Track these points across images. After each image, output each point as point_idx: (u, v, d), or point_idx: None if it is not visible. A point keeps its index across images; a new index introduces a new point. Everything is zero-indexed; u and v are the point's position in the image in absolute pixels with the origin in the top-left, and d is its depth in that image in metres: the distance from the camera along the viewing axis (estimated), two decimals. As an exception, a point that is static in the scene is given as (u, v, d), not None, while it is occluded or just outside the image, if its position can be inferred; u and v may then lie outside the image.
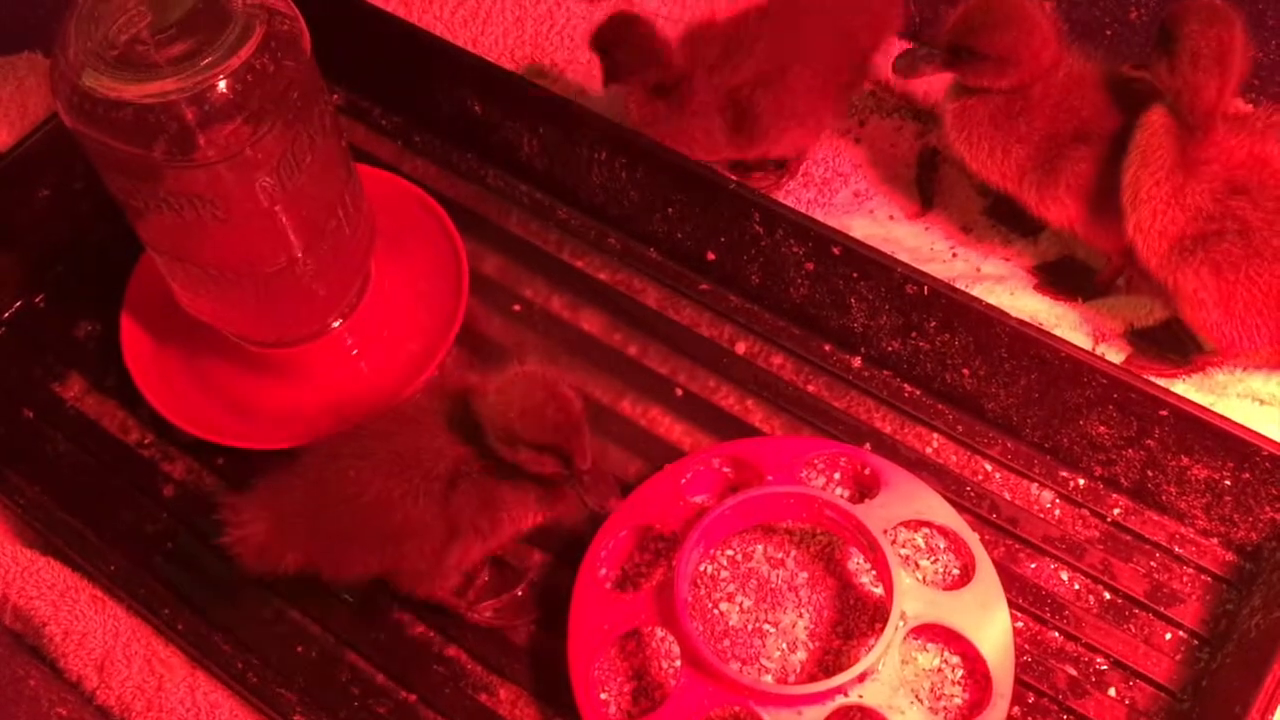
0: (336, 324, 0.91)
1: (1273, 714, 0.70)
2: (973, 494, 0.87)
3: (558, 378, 0.73)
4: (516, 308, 0.97)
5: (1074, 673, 0.80)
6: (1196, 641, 0.81)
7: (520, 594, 0.82)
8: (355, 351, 0.94)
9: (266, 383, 0.93)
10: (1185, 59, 0.80)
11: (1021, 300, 0.95)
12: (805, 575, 0.82)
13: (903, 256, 0.90)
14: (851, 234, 0.90)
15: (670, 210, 0.96)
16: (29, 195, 0.95)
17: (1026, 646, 0.81)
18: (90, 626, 0.77)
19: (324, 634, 0.82)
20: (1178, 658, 0.80)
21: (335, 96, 1.04)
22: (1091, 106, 0.88)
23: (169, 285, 0.87)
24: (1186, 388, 0.89)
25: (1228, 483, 0.81)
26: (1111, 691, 0.79)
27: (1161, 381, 0.85)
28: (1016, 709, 0.78)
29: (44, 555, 0.82)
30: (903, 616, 0.75)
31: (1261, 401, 0.90)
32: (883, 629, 0.74)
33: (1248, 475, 0.80)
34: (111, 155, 0.73)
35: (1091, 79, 0.89)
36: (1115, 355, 0.92)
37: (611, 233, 1.00)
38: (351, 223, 0.87)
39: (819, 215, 0.94)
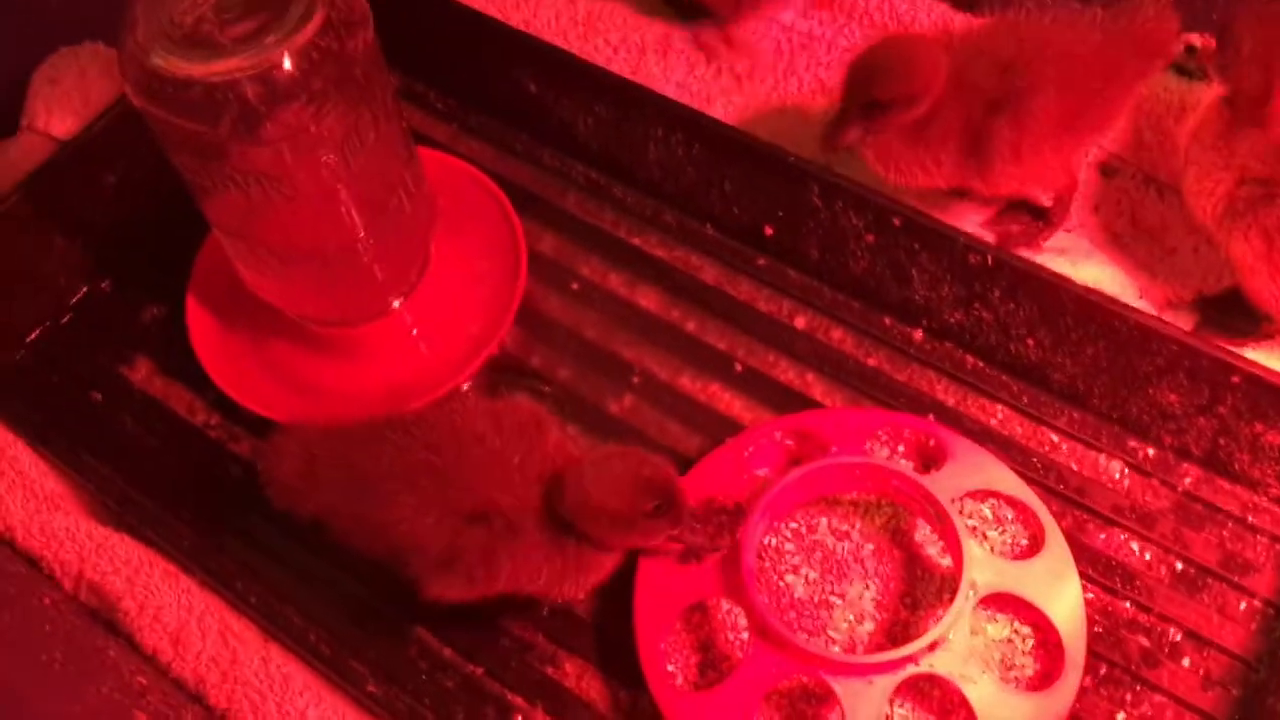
0: (397, 304, 0.92)
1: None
2: (1039, 465, 0.86)
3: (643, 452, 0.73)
4: (574, 286, 0.97)
5: (1146, 643, 0.79)
6: (1271, 610, 0.79)
7: (544, 612, 0.82)
8: (415, 331, 0.94)
9: (329, 362, 0.94)
10: (1236, 55, 0.80)
11: (1084, 270, 0.93)
12: (871, 547, 0.82)
13: (963, 228, 0.89)
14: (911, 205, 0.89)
15: (727, 185, 0.96)
16: (94, 181, 0.97)
17: (1097, 617, 0.80)
18: (164, 601, 0.78)
19: (391, 608, 0.82)
20: (1252, 627, 0.79)
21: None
22: (983, 73, 0.86)
23: (234, 267, 0.88)
24: (1258, 354, 0.88)
25: (1305, 450, 0.80)
26: (1185, 662, 0.78)
27: (1232, 347, 0.84)
28: (1089, 679, 0.77)
29: (117, 532, 0.83)
30: (972, 586, 0.74)
31: (1334, 368, 0.88)
32: (952, 599, 0.74)
33: (1323, 441, 0.79)
34: (179, 134, 0.74)
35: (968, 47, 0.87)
36: (1183, 322, 0.90)
37: (668, 209, 1.00)
38: (412, 202, 0.87)
39: (877, 188, 0.93)
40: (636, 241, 0.99)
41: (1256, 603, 0.80)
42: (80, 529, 0.83)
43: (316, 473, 0.75)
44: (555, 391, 0.91)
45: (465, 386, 0.91)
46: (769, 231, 0.96)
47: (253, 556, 0.83)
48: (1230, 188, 0.83)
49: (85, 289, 0.99)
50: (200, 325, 0.94)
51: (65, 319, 0.98)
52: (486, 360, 0.92)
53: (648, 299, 0.96)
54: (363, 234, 0.84)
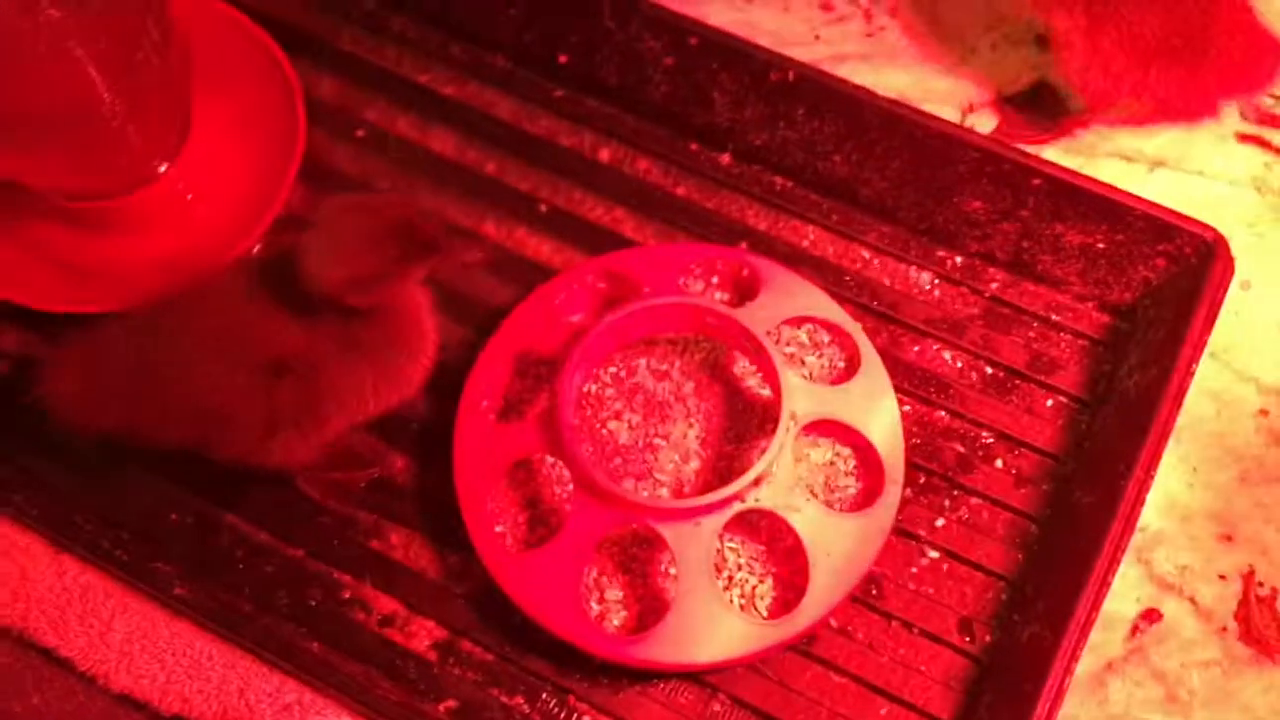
0: (163, 168, 0.84)
1: (1155, 468, 0.72)
2: (853, 284, 0.85)
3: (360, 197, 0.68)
4: (360, 134, 0.90)
5: (961, 449, 0.81)
6: (1077, 405, 0.82)
7: (362, 484, 0.79)
8: (189, 197, 0.86)
9: (94, 241, 0.85)
10: None
11: (888, 77, 0.92)
12: (691, 385, 0.80)
13: (764, 42, 0.85)
14: (708, 22, 0.84)
15: (513, 11, 0.89)
16: None
17: (914, 429, 0.81)
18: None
19: (196, 498, 0.78)
20: (1059, 423, 0.81)
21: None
22: None
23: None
24: (1056, 153, 0.88)
25: (1101, 246, 0.81)
26: (998, 463, 0.80)
27: (1031, 149, 0.84)
28: (909, 491, 0.79)
29: None
30: (793, 416, 0.74)
31: (1129, 159, 0.90)
32: (774, 431, 0.73)
33: (1121, 236, 0.80)
34: None
35: None
36: (986, 124, 0.90)
37: (455, 42, 0.93)
38: (162, 55, 0.78)
39: (673, 6, 0.88)
40: (423, 79, 0.92)
41: (1062, 399, 0.82)
42: None
43: (98, 383, 0.69)
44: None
45: (255, 250, 0.85)
46: (564, 60, 0.90)
47: (30, 462, 0.77)
48: None
49: None
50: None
51: None
52: (272, 222, 0.85)
53: (441, 142, 0.90)
54: (105, 95, 0.75)
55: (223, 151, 0.87)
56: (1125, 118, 0.89)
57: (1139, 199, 0.79)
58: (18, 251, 0.85)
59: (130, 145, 0.80)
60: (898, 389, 0.79)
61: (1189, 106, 0.87)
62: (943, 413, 0.82)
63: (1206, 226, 0.78)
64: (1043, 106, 0.91)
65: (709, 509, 0.71)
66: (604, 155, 0.89)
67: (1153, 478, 0.72)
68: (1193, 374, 0.75)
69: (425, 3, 0.92)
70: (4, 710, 0.70)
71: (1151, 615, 0.77)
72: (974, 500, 0.79)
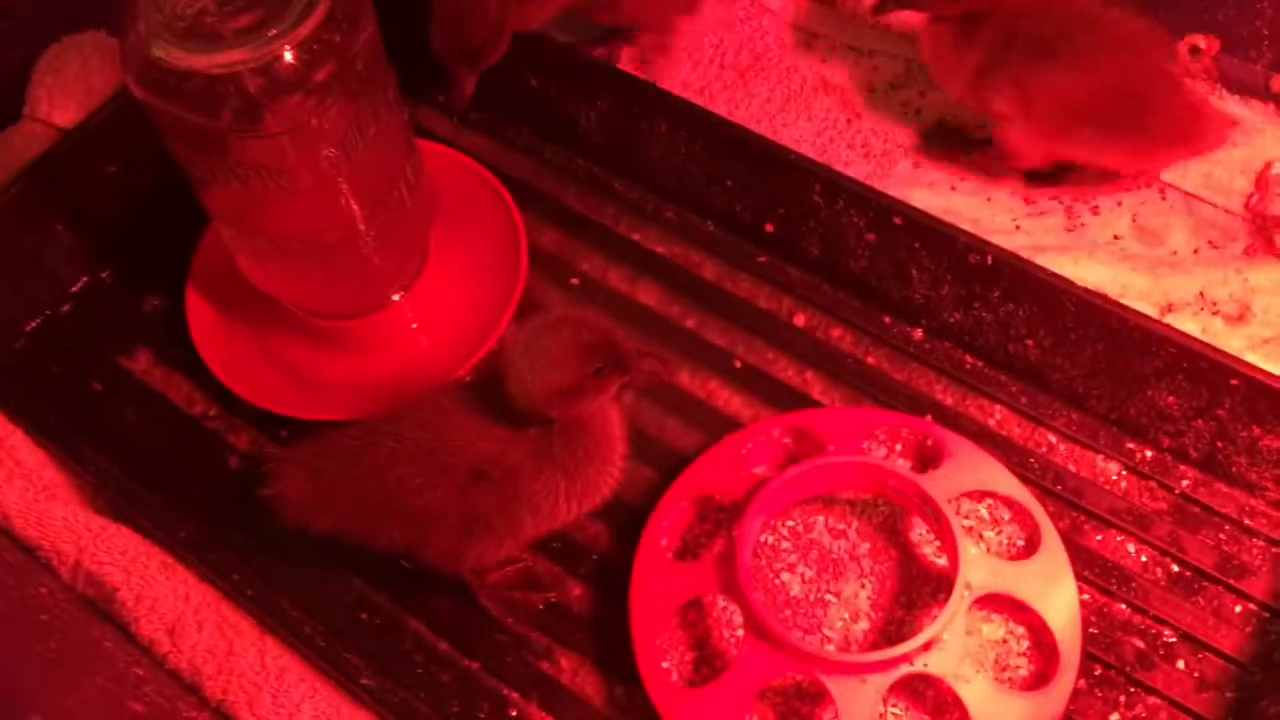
0: (396, 297, 0.92)
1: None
2: (1037, 466, 0.86)
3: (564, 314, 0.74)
4: (574, 281, 0.97)
5: (1141, 645, 0.79)
6: (1267, 614, 0.79)
7: (540, 606, 0.82)
8: (415, 325, 0.94)
9: (327, 356, 0.94)
10: None
11: (1086, 270, 0.93)
12: (867, 546, 0.82)
13: (964, 227, 0.89)
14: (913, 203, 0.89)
15: (729, 183, 0.96)
16: (95, 171, 0.97)
17: (1093, 619, 0.80)
18: (161, 591, 0.78)
19: (387, 602, 0.83)
20: (1248, 630, 0.79)
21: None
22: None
23: (233, 259, 0.88)
24: (1258, 358, 0.87)
25: (1302, 454, 0.80)
26: (1180, 664, 0.78)
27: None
28: (1083, 681, 0.77)
29: (114, 523, 0.83)
30: (968, 585, 0.74)
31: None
32: (947, 599, 0.74)
33: (1321, 445, 0.79)
34: (180, 126, 0.74)
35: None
36: (1187, 324, 0.90)
37: (669, 206, 1.00)
38: (412, 195, 0.87)
39: (878, 187, 0.93)
40: (636, 237, 0.99)
41: (1252, 606, 0.80)
42: (78, 519, 0.82)
43: (324, 485, 0.76)
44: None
45: (466, 380, 0.91)
46: (770, 229, 0.96)
47: (250, 548, 0.83)
48: (972, 61, 0.93)
49: (86, 279, 0.99)
50: (200, 316, 0.94)
51: (65, 308, 0.98)
52: (486, 355, 0.92)
53: (647, 295, 0.96)
54: (362, 227, 0.84)
55: (450, 286, 0.95)
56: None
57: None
58: (259, 358, 0.94)
59: (374, 272, 0.88)
60: (1078, 576, 0.78)
61: None
62: (1123, 605, 0.80)
63: None
64: None
65: (878, 666, 0.72)
66: (800, 320, 0.94)
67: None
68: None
69: (646, 170, 1.00)
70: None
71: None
72: (1152, 699, 0.77)
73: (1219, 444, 0.83)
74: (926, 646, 0.72)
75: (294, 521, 0.76)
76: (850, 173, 0.99)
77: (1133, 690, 0.77)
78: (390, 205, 0.85)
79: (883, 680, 0.72)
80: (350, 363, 0.94)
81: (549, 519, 0.76)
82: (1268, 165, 0.99)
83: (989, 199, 1.00)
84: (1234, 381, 0.80)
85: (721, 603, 0.80)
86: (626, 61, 1.09)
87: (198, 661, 0.77)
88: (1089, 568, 0.81)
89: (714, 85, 1.07)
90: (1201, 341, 0.82)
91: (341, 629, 0.81)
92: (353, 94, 0.77)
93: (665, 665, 0.78)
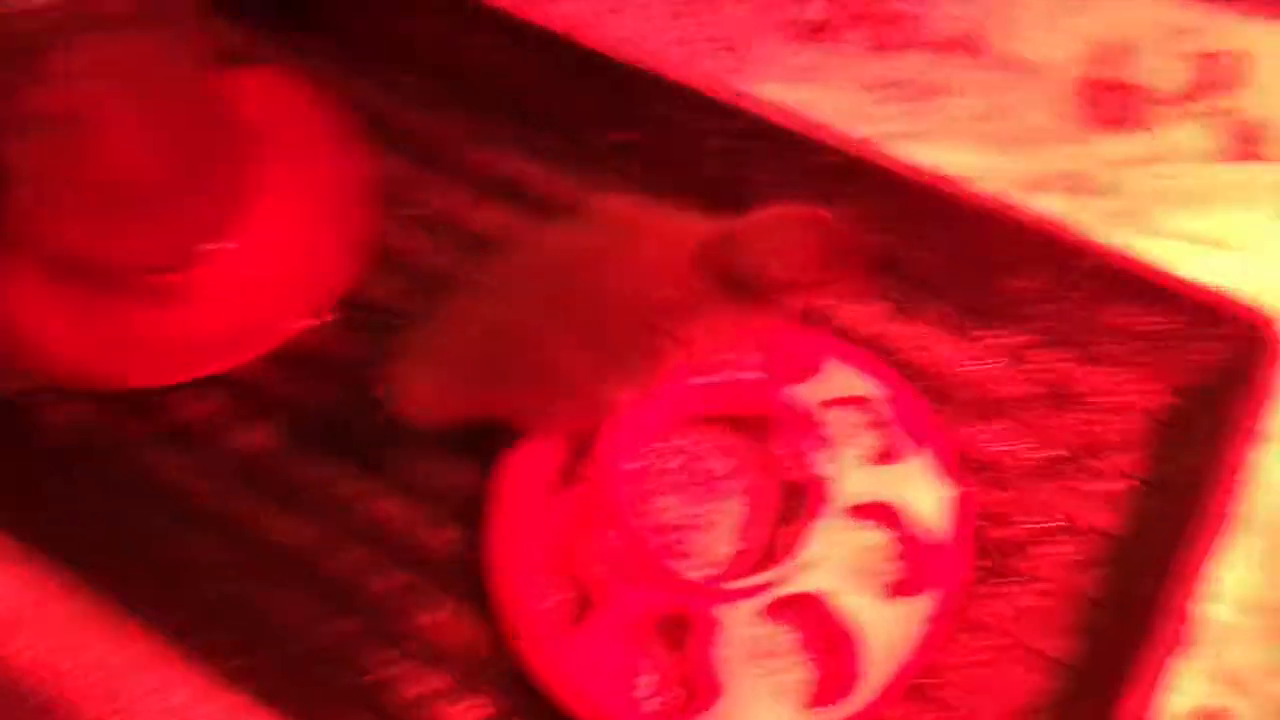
0: (226, 245, 0.86)
1: (1214, 557, 0.70)
2: (902, 364, 0.84)
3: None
4: (420, 211, 0.92)
5: (1019, 534, 0.78)
6: (1138, 489, 0.79)
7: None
8: (253, 271, 0.88)
9: (157, 314, 0.88)
10: None
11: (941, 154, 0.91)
12: (734, 463, 0.79)
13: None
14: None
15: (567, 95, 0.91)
16: None
17: (969, 514, 0.79)
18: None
19: (246, 575, 0.78)
20: (1124, 506, 0.79)
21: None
22: None
23: (35, 224, 0.82)
24: (1115, 233, 0.86)
25: (1156, 329, 0.80)
26: (1058, 548, 0.78)
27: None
28: (967, 577, 0.76)
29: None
30: (840, 495, 0.73)
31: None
32: (820, 512, 0.72)
33: (1175, 320, 0.79)
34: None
35: None
36: (1041, 203, 0.89)
37: (509, 124, 0.95)
38: (231, 130, 0.82)
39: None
40: (481, 159, 0.94)
41: (1126, 482, 0.80)
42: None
43: (449, 377, 0.72)
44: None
45: (328, 320, 0.86)
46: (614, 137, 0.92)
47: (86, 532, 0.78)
48: None
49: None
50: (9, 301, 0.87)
51: None
52: (339, 298, 0.86)
53: (492, 217, 0.91)
54: (175, 168, 0.78)
55: (291, 226, 0.89)
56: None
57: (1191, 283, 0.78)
58: (80, 334, 0.87)
59: (196, 214, 0.83)
60: (950, 473, 0.77)
61: None
62: (1000, 495, 0.80)
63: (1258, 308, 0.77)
64: None
65: (751, 591, 0.70)
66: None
67: (1214, 568, 0.69)
68: (1250, 460, 0.72)
69: (481, 87, 0.94)
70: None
71: (1217, 714, 0.73)
72: (1033, 585, 0.77)
73: (1077, 325, 0.82)
74: (801, 566, 0.70)
75: (424, 424, 0.72)
76: (690, 72, 0.95)
77: (1012, 579, 0.77)
78: (205, 142, 0.79)
79: (758, 603, 0.70)
80: (183, 317, 0.88)
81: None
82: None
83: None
84: (1090, 260, 0.79)
85: (589, 536, 0.77)
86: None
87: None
88: (963, 462, 0.80)
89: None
90: (1054, 222, 0.80)
91: (197, 608, 0.76)
92: (146, 28, 0.71)
93: (532, 607, 0.75)
